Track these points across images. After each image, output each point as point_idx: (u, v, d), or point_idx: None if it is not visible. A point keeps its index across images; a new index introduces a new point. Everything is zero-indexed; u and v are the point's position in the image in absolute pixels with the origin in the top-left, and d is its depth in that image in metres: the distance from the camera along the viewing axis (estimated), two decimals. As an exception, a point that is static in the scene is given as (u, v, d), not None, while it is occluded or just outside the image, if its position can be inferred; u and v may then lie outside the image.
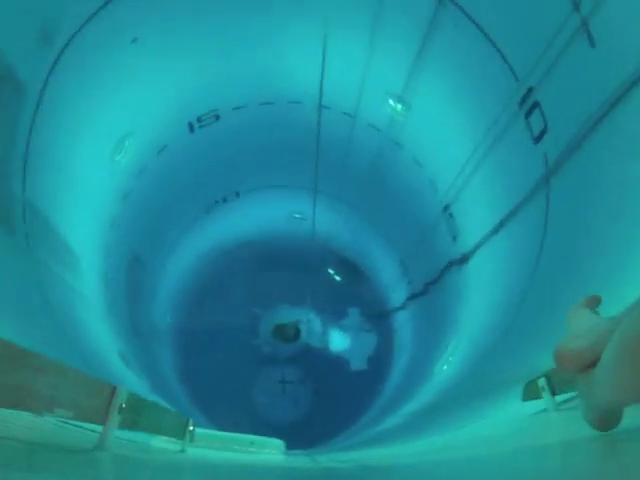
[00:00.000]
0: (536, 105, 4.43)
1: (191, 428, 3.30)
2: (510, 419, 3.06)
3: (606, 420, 1.26)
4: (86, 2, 4.53)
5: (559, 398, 2.36)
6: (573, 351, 1.21)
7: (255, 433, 4.42)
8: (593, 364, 1.14)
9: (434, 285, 7.95)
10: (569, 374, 1.30)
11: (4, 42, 3.66)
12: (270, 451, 4.29)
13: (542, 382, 2.44)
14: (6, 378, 1.63)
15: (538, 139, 4.53)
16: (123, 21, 5.01)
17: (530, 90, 4.43)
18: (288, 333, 11.01)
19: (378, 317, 11.09)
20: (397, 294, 10.15)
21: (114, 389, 2.21)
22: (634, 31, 3.29)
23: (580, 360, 1.19)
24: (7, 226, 4.05)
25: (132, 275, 7.71)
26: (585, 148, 3.93)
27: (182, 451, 3.13)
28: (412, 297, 9.30)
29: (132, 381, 5.83)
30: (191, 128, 7.23)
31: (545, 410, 2.43)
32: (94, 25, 4.63)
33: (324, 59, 5.26)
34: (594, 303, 1.40)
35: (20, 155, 4.22)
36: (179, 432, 3.20)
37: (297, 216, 10.11)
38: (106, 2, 4.62)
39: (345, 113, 7.25)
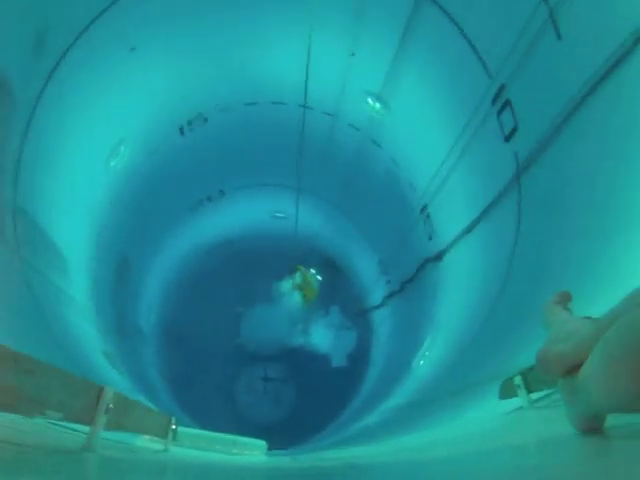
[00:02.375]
0: (507, 103, 4.51)
1: (173, 427, 3.31)
2: (487, 417, 3.09)
3: (591, 423, 1.27)
4: (81, 12, 4.58)
5: (535, 396, 2.39)
6: (556, 355, 1.23)
7: (237, 430, 4.43)
8: (576, 368, 1.16)
9: (410, 283, 8.01)
10: (550, 376, 1.32)
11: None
12: (252, 452, 4.29)
13: (518, 380, 2.47)
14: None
15: (509, 137, 4.60)
16: (119, 31, 5.09)
17: (502, 88, 4.51)
18: None
19: (358, 315, 11.14)
20: (376, 292, 10.21)
21: (101, 390, 2.22)
22: (600, 23, 3.34)
23: (563, 364, 1.21)
24: None
25: (120, 276, 7.74)
26: (555, 146, 4.00)
27: (165, 450, 3.13)
28: (390, 295, 9.36)
29: (115, 380, 5.85)
30: (182, 131, 7.33)
31: (521, 408, 2.45)
32: (90, 35, 4.69)
33: (308, 60, 5.29)
34: (566, 300, 1.42)
35: (13, 161, 4.24)
36: (162, 431, 3.20)
37: (280, 215, 10.21)
38: (101, 13, 4.68)
39: (326, 113, 7.36)
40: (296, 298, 10.92)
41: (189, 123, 7.29)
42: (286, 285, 10.98)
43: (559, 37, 3.66)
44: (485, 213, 5.29)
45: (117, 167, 6.42)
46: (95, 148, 5.87)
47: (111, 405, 2.25)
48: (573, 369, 1.18)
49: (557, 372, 1.24)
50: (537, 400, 2.38)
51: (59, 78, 4.51)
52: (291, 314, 11.03)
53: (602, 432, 1.26)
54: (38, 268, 4.78)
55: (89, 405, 2.17)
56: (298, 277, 10.73)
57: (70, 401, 2.07)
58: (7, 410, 1.72)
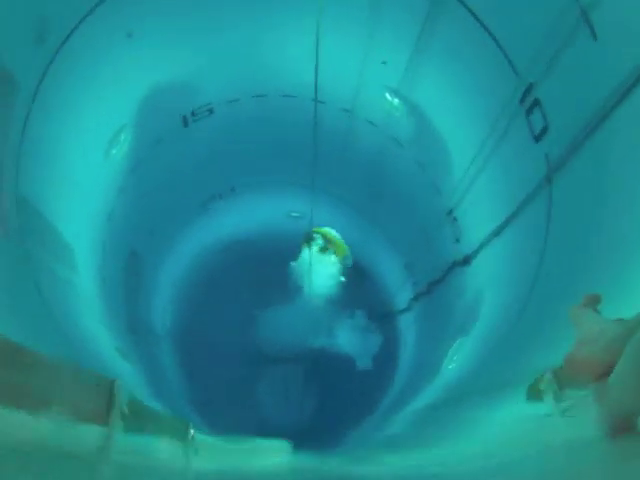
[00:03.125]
0: (536, 103, 4.40)
1: (192, 432, 3.27)
2: (515, 418, 3.05)
3: (622, 425, 1.24)
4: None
5: (564, 399, 2.35)
6: (585, 359, 1.20)
7: (256, 435, 4.34)
8: (606, 371, 1.13)
9: (437, 286, 7.95)
10: (582, 380, 1.30)
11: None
12: (276, 453, 4.21)
13: (548, 380, 2.43)
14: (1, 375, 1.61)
15: (539, 138, 4.51)
16: (119, 16, 5.01)
17: (530, 87, 4.40)
18: None
19: (384, 318, 11.06)
20: (402, 295, 10.12)
21: (112, 388, 2.17)
22: (637, 22, 3.27)
23: (593, 366, 1.18)
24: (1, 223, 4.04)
25: (129, 270, 7.66)
26: (587, 146, 3.90)
27: (184, 456, 3.09)
28: (416, 297, 9.29)
29: (129, 377, 5.83)
30: (185, 122, 7.21)
31: (550, 411, 2.42)
32: (90, 21, 4.64)
33: (317, 52, 5.24)
34: (595, 302, 1.40)
35: (14, 150, 4.21)
36: (180, 437, 3.17)
37: (295, 214, 10.01)
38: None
39: (342, 108, 7.24)
40: (328, 262, 10.24)
41: (193, 114, 7.16)
42: (305, 258, 10.16)
43: (594, 37, 3.59)
44: (514, 215, 5.22)
45: (118, 156, 6.36)
46: (95, 135, 5.83)
47: (125, 407, 2.21)
48: (603, 371, 1.16)
49: (587, 374, 1.21)
50: (566, 403, 2.35)
51: (59, 65, 4.49)
52: (325, 288, 10.67)
53: (633, 435, 1.23)
54: (44, 261, 4.74)
55: (102, 406, 2.13)
56: (319, 240, 9.99)
57: (81, 399, 2.03)
58: (13, 406, 1.70)
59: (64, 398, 1.89)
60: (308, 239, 9.86)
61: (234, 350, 10.41)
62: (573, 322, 1.36)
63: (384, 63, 6.25)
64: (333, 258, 10.08)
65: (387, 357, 10.75)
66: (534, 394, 2.58)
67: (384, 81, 6.41)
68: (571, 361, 1.24)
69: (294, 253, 10.29)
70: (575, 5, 3.61)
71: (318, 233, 9.88)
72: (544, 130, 4.42)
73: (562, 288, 4.04)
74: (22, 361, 1.66)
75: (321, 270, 10.20)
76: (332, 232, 10.06)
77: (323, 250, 10.04)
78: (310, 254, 9.79)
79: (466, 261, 6.66)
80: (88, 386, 2.07)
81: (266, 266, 10.43)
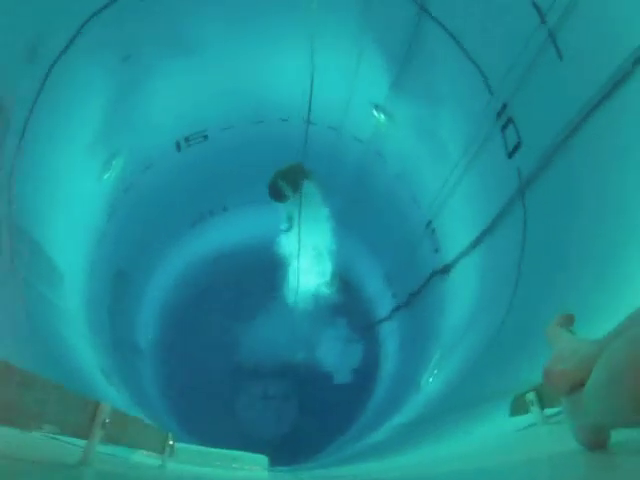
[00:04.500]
0: (510, 120, 4.53)
1: (171, 442, 3.29)
2: (497, 433, 3.10)
3: (595, 440, 1.29)
4: (72, 19, 4.56)
5: (548, 412, 2.40)
6: (560, 373, 1.27)
7: (237, 449, 4.37)
8: (580, 384, 1.21)
9: (417, 296, 8.02)
10: (557, 393, 1.37)
11: None
12: (253, 467, 4.23)
13: (531, 396, 2.48)
14: None
15: (512, 154, 4.63)
16: (115, 39, 5.09)
17: (505, 104, 4.52)
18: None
19: (364, 328, 11.10)
20: (382, 306, 10.19)
21: (98, 405, 2.24)
22: (600, 42, 3.38)
23: (567, 381, 1.25)
24: None
25: (116, 290, 7.68)
26: (558, 162, 4.00)
27: (162, 466, 3.11)
28: (396, 309, 9.36)
29: (113, 396, 5.79)
30: (178, 147, 7.30)
31: (534, 424, 2.47)
32: (82, 43, 4.67)
33: (313, 75, 5.35)
34: (568, 322, 1.48)
35: (6, 174, 4.21)
36: (159, 446, 3.19)
37: (282, 229, 9.93)
38: (91, 16, 4.66)
39: (330, 127, 7.37)
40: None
41: (186, 139, 7.25)
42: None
43: (560, 56, 3.73)
44: (490, 228, 5.31)
45: (110, 180, 6.40)
46: (87, 160, 5.85)
47: (107, 420, 2.27)
48: (577, 386, 1.23)
49: (562, 389, 1.28)
50: (550, 417, 2.41)
51: (50, 90, 4.51)
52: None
53: (607, 448, 1.31)
54: (33, 283, 4.75)
55: (86, 419, 2.19)
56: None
57: (67, 415, 2.08)
58: (6, 424, 1.74)
59: (53, 415, 1.95)
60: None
61: (216, 364, 10.43)
62: (549, 340, 1.44)
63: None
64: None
65: (367, 369, 10.77)
66: (518, 408, 2.65)
67: (371, 98, 6.55)
68: (547, 376, 1.31)
69: (279, 266, 10.28)
70: (543, 28, 3.74)
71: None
72: (517, 146, 4.54)
73: (541, 299, 4.12)
74: (16, 380, 1.71)
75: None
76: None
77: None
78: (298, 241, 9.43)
79: (445, 270, 6.75)
80: (74, 404, 2.13)
81: (252, 282, 10.55)
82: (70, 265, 5.83)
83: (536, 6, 3.72)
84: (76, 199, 5.87)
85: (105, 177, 6.27)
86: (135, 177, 6.99)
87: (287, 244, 9.46)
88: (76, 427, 2.13)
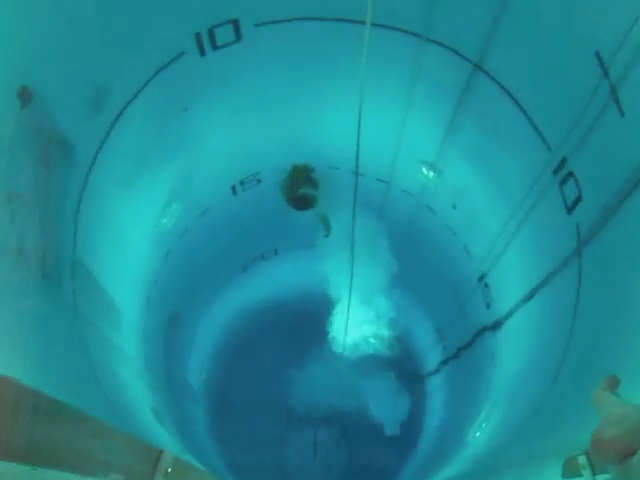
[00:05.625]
0: (570, 175, 4.45)
1: None
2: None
3: None
4: (140, 72, 4.77)
5: (600, 478, 2.33)
6: (609, 440, 1.23)
7: None
8: (631, 453, 1.17)
9: (466, 350, 7.92)
10: (606, 462, 1.32)
11: (58, 108, 3.82)
12: None
13: (582, 459, 2.42)
14: (65, 441, 1.69)
15: (571, 209, 4.56)
16: (176, 90, 5.27)
17: (564, 160, 4.46)
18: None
19: (413, 381, 10.99)
20: (432, 358, 10.08)
21: (161, 452, 2.26)
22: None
23: (617, 449, 1.21)
24: (56, 282, 4.18)
25: (170, 331, 7.83)
26: (618, 218, 3.94)
27: None
28: (445, 361, 9.24)
29: (164, 437, 5.88)
30: (234, 191, 7.45)
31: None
32: (147, 94, 4.87)
33: (359, 126, 5.42)
34: (614, 385, 1.43)
35: (71, 214, 4.38)
36: None
37: (332, 277, 9.77)
38: (156, 72, 4.87)
39: (379, 179, 7.42)
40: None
41: (242, 183, 7.39)
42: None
43: (621, 112, 3.68)
44: (544, 284, 5.24)
45: (168, 225, 6.56)
46: (147, 204, 6.03)
47: (169, 469, 2.29)
48: (627, 455, 1.18)
49: (610, 458, 1.24)
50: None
51: (115, 136, 4.68)
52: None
53: None
54: (92, 320, 4.88)
55: (149, 467, 2.21)
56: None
57: (132, 463, 2.11)
58: (78, 472, 1.76)
59: (119, 463, 1.97)
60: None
61: (266, 409, 10.49)
62: (594, 405, 1.39)
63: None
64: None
65: (414, 422, 10.67)
66: (570, 470, 2.57)
67: (420, 155, 6.58)
68: (596, 441, 1.26)
69: (330, 313, 10.27)
70: (605, 82, 3.71)
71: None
72: (577, 201, 4.45)
73: (593, 359, 4.04)
74: (89, 429, 1.74)
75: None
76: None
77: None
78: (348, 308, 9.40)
79: (496, 326, 6.65)
80: (139, 452, 2.16)
81: (302, 327, 10.61)
82: (127, 304, 5.98)
83: (599, 57, 3.68)
84: (135, 241, 6.07)
85: (163, 221, 6.45)
86: (191, 221, 7.15)
87: (338, 289, 9.42)
88: (140, 475, 2.15)
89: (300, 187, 7.80)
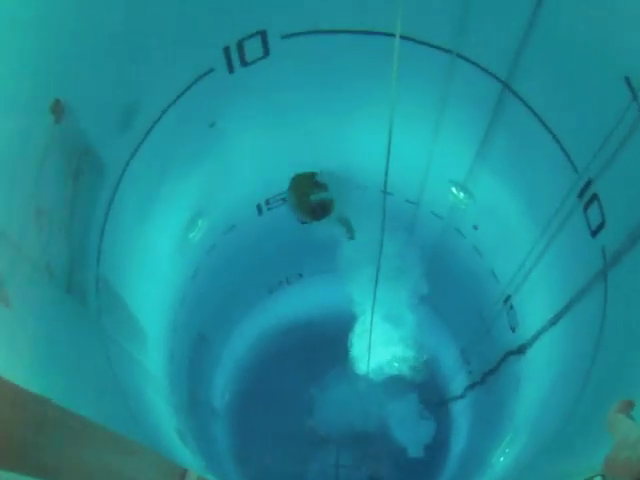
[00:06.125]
0: (595, 197, 4.43)
1: None
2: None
3: None
4: (167, 89, 4.81)
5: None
6: (623, 462, 1.23)
7: None
8: None
9: (491, 375, 7.85)
10: None
11: (89, 123, 3.86)
12: None
13: (599, 480, 2.40)
14: (94, 459, 1.71)
15: (596, 232, 4.53)
16: (203, 106, 5.30)
17: (589, 182, 4.44)
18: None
19: (437, 405, 10.92)
20: (456, 382, 10.00)
21: (185, 471, 2.28)
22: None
23: (630, 472, 1.21)
24: (81, 300, 4.20)
25: (196, 352, 7.89)
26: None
27: None
28: (471, 386, 9.17)
29: (187, 458, 5.88)
30: (259, 210, 7.48)
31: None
32: (175, 110, 4.91)
33: (389, 145, 5.40)
34: (628, 408, 1.44)
35: (97, 230, 4.41)
36: None
37: (358, 300, 9.67)
38: (185, 89, 4.91)
39: (408, 200, 7.42)
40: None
41: (267, 202, 7.42)
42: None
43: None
44: (569, 307, 5.19)
45: (194, 241, 6.59)
46: (173, 221, 6.06)
47: None
48: None
49: (625, 478, 1.25)
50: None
51: (143, 152, 4.72)
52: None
53: None
54: (117, 338, 4.91)
55: None
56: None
57: None
58: None
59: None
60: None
61: (288, 429, 10.50)
62: (609, 427, 1.39)
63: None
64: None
65: (438, 445, 10.58)
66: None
67: (450, 176, 6.56)
68: (610, 465, 1.27)
69: (353, 336, 10.18)
70: (633, 105, 3.70)
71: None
72: (601, 225, 4.44)
73: (617, 383, 4.01)
74: (117, 446, 1.78)
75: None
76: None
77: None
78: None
79: (520, 351, 6.60)
80: (165, 470, 2.19)
81: (326, 349, 10.58)
82: (153, 323, 6.02)
83: (628, 81, 3.67)
84: (162, 257, 6.10)
85: (190, 236, 6.49)
86: (218, 238, 7.19)
87: (363, 310, 9.40)
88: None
89: (310, 194, 7.44)
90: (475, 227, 6.86)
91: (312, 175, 7.32)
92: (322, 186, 7.42)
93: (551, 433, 5.12)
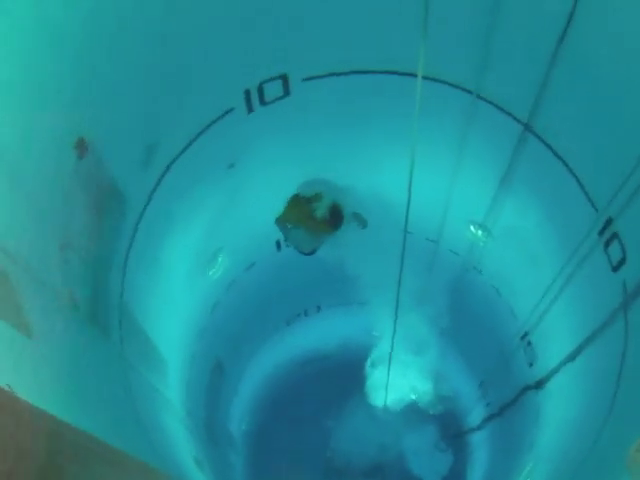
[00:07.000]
0: (615, 235, 4.46)
1: None
2: None
3: None
4: (188, 129, 4.91)
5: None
6: None
7: None
8: None
9: (510, 408, 7.85)
10: None
11: (111, 160, 3.99)
12: None
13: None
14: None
15: (617, 268, 4.55)
16: (222, 146, 5.37)
17: (609, 221, 4.46)
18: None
19: (454, 436, 10.87)
20: (474, 415, 9.98)
21: None
22: None
23: None
24: (104, 330, 4.30)
25: (213, 382, 7.94)
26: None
27: None
28: (489, 418, 9.15)
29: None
30: (278, 246, 7.55)
31: None
32: (194, 150, 5.00)
33: (410, 184, 5.43)
34: None
35: (120, 263, 4.51)
36: None
37: (376, 333, 9.80)
38: (205, 128, 5.01)
39: (428, 239, 7.45)
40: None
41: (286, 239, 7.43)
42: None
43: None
44: (589, 342, 5.21)
45: (214, 276, 6.67)
46: (194, 256, 6.11)
47: None
48: None
49: None
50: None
51: (164, 189, 4.83)
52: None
53: None
54: (137, 367, 4.97)
55: None
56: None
57: None
58: None
59: None
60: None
61: (306, 460, 10.50)
62: (629, 467, 1.43)
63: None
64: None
65: (455, 476, 10.52)
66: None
67: (469, 215, 6.59)
68: None
69: (371, 368, 10.26)
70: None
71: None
72: (622, 260, 4.46)
73: (638, 420, 4.03)
74: (134, 471, 1.86)
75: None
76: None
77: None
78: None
79: (538, 386, 6.60)
80: None
81: (343, 381, 10.59)
82: (172, 353, 6.10)
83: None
84: (182, 292, 6.19)
85: (210, 273, 6.59)
86: (238, 274, 7.28)
87: (381, 344, 9.43)
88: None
89: (313, 210, 6.95)
90: (497, 266, 6.90)
91: (296, 198, 6.84)
92: (318, 197, 6.93)
93: (571, 469, 5.12)
